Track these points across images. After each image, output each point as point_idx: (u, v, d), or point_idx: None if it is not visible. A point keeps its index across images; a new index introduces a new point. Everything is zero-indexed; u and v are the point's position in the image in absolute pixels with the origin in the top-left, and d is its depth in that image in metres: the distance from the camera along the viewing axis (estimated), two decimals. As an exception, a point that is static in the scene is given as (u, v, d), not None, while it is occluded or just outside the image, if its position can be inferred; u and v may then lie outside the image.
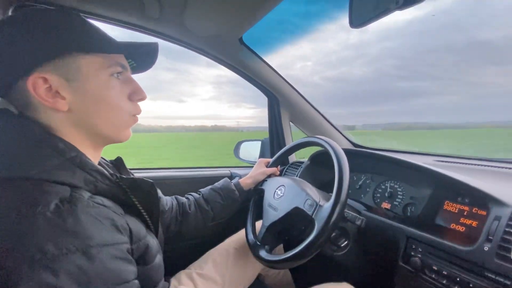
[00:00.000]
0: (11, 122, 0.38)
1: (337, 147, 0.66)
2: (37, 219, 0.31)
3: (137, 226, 0.44)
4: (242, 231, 0.85)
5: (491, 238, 0.50)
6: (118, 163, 0.58)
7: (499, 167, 0.78)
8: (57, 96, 0.39)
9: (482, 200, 0.57)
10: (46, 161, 0.36)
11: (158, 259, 0.50)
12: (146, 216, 0.48)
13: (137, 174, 1.02)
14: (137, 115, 0.49)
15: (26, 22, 0.38)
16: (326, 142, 0.69)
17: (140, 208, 0.46)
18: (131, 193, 0.44)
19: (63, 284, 0.29)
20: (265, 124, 1.30)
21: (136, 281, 0.39)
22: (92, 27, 0.42)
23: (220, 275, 0.73)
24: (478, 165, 0.82)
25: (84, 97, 0.41)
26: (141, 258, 0.44)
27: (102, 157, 0.55)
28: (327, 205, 0.58)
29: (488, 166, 0.80)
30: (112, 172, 0.51)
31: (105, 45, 0.42)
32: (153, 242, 0.48)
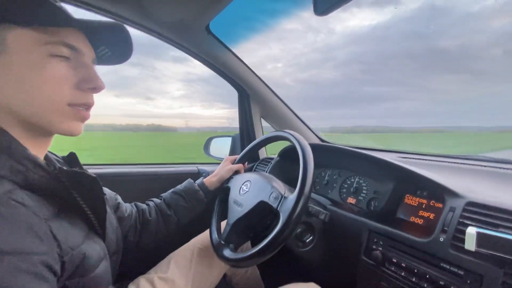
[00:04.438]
0: None
1: (302, 139, 0.65)
2: None
3: (70, 232, 0.37)
4: (207, 231, 0.81)
5: (446, 229, 0.51)
6: (70, 159, 0.51)
7: (456, 162, 0.82)
8: None
9: (439, 192, 0.58)
10: None
11: (103, 266, 0.42)
12: (90, 215, 0.41)
13: (94, 170, 0.93)
14: (85, 108, 0.42)
15: None
16: (291, 135, 0.68)
17: (84, 206, 0.40)
18: (72, 188, 0.38)
19: None
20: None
21: None
22: None
23: (184, 277, 0.68)
24: (437, 161, 0.86)
25: (6, 75, 0.36)
26: (77, 269, 0.37)
27: (52, 152, 0.49)
28: (292, 196, 0.57)
29: (446, 162, 0.84)
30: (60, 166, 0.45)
31: (42, 17, 0.36)
32: (93, 248, 0.41)
